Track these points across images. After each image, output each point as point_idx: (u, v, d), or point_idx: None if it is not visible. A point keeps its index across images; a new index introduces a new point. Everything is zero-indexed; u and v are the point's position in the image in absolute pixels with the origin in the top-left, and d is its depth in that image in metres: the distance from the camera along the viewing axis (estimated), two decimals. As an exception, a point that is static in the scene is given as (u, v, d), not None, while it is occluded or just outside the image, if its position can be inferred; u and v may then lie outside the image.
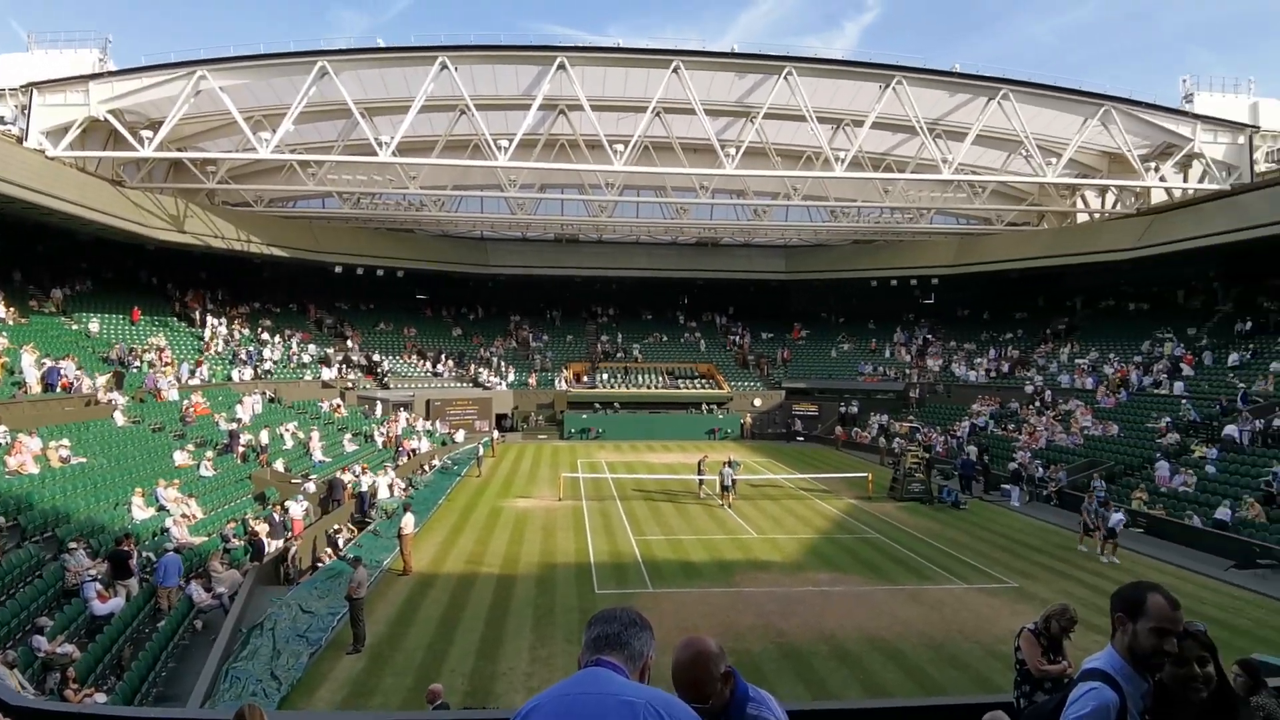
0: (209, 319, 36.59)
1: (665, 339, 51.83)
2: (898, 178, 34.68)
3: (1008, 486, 27.75)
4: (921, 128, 30.19)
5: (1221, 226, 30.61)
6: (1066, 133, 31.85)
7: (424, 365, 44.64)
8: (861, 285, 47.68)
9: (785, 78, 29.64)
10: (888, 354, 48.31)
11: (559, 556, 19.06)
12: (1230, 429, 24.82)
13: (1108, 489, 24.23)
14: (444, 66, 27.86)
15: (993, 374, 41.79)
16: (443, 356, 45.52)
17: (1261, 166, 33.36)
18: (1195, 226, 31.74)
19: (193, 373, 29.86)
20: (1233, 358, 30.22)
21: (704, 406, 45.36)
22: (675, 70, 29.06)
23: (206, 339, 34.39)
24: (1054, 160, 31.71)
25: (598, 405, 44.40)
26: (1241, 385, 27.61)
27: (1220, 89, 36.46)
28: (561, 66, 28.53)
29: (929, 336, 48.82)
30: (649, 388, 46.08)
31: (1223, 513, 20.64)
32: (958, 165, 31.92)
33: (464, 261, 47.50)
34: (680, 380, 47.11)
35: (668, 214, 42.34)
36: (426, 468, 30.92)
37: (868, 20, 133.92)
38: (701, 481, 27.46)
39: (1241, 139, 33.19)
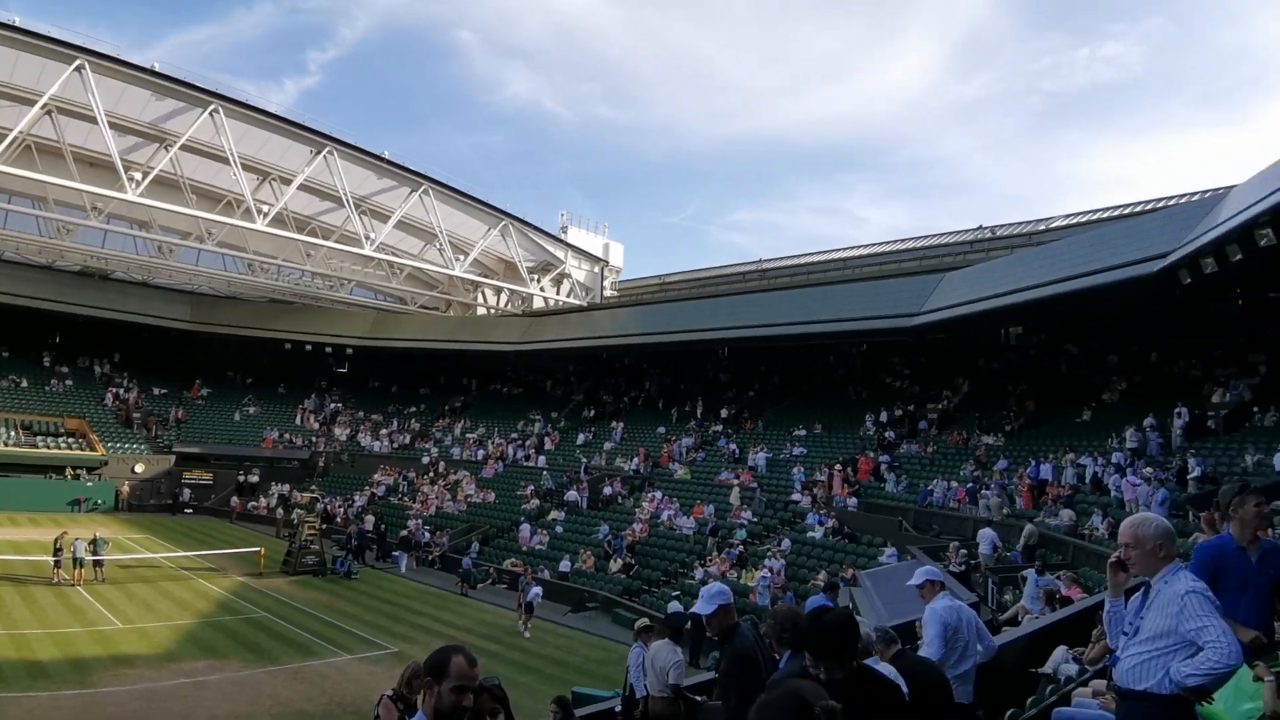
0: None
1: (25, 384, 40.88)
2: (321, 244, 34.76)
3: (398, 553, 29.25)
4: (349, 201, 31.19)
5: (578, 333, 38.75)
6: (474, 236, 36.72)
7: None
8: (275, 346, 45.43)
9: (211, 114, 27.47)
10: (297, 420, 46.66)
11: None
12: (572, 494, 30.94)
13: (481, 550, 27.67)
14: None
15: (396, 445, 43.98)
16: None
17: (609, 292, 43.88)
18: (561, 331, 39.51)
19: None
20: (580, 437, 37.84)
21: (69, 471, 36.56)
22: (79, 69, 24.38)
23: None
24: (462, 257, 36.02)
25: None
26: (584, 459, 34.82)
27: (586, 227, 45.51)
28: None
29: (340, 405, 48.91)
30: (-9, 444, 35.25)
31: (564, 565, 25.28)
32: (380, 244, 33.74)
33: None
34: (40, 437, 37.44)
35: (45, 231, 34.05)
36: None
37: (309, 84, 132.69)
38: (59, 564, 22.30)
39: (597, 269, 43.28)
